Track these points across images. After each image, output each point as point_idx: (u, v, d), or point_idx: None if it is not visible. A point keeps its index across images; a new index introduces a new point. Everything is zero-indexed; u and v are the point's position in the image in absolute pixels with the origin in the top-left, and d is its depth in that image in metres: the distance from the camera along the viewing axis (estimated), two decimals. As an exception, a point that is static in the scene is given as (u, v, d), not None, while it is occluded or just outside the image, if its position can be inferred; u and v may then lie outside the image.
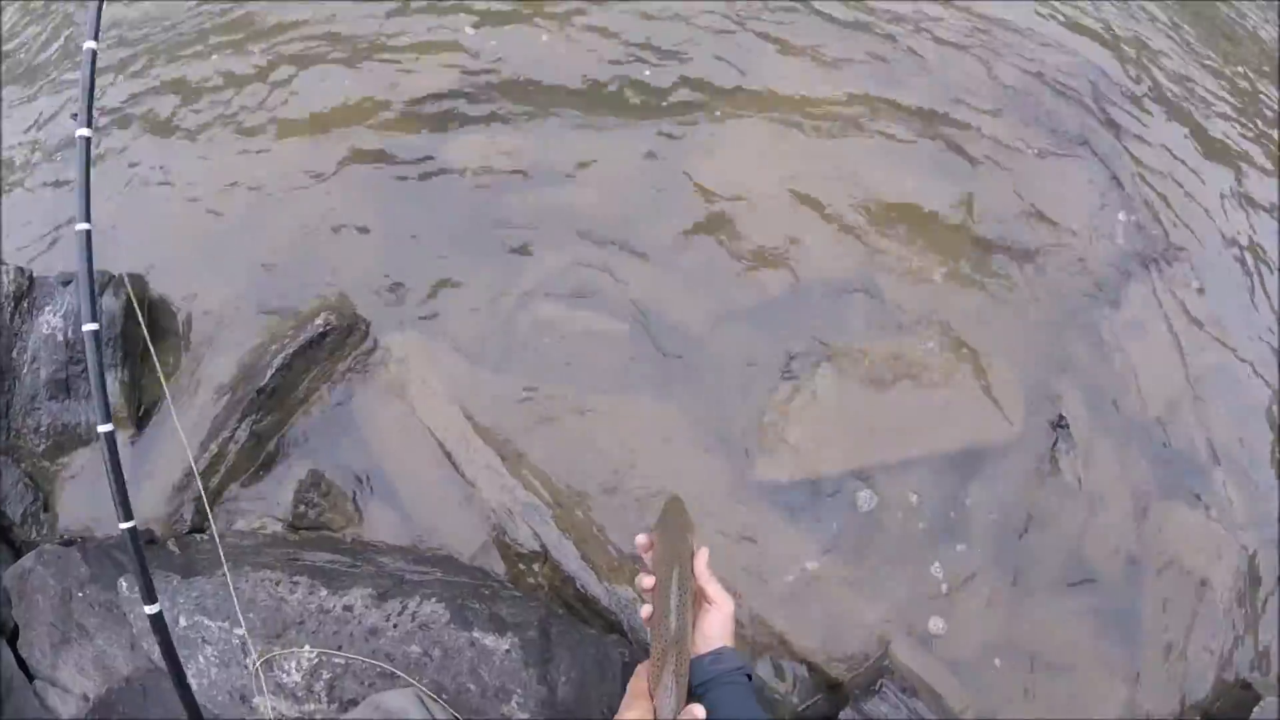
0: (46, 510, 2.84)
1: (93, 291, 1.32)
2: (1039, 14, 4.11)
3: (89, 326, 1.18)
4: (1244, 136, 4.00)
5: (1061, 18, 4.16)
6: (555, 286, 2.80)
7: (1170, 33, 4.46)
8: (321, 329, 2.77)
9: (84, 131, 1.42)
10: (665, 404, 2.57)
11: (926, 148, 3.33)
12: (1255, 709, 2.63)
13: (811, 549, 2.45)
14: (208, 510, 2.51)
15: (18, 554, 2.63)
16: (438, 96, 3.31)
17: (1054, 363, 2.86)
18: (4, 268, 2.99)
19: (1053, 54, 3.90)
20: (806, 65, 3.52)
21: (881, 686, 2.26)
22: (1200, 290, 3.27)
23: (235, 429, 2.75)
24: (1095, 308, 3.05)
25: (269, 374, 2.74)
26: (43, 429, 2.94)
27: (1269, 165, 3.94)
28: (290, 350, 2.76)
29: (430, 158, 3.15)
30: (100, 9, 1.59)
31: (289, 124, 3.34)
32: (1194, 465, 2.87)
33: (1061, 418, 2.69)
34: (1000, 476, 2.62)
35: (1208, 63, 4.43)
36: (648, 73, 3.40)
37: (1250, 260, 3.49)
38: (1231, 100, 4.19)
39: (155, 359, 2.77)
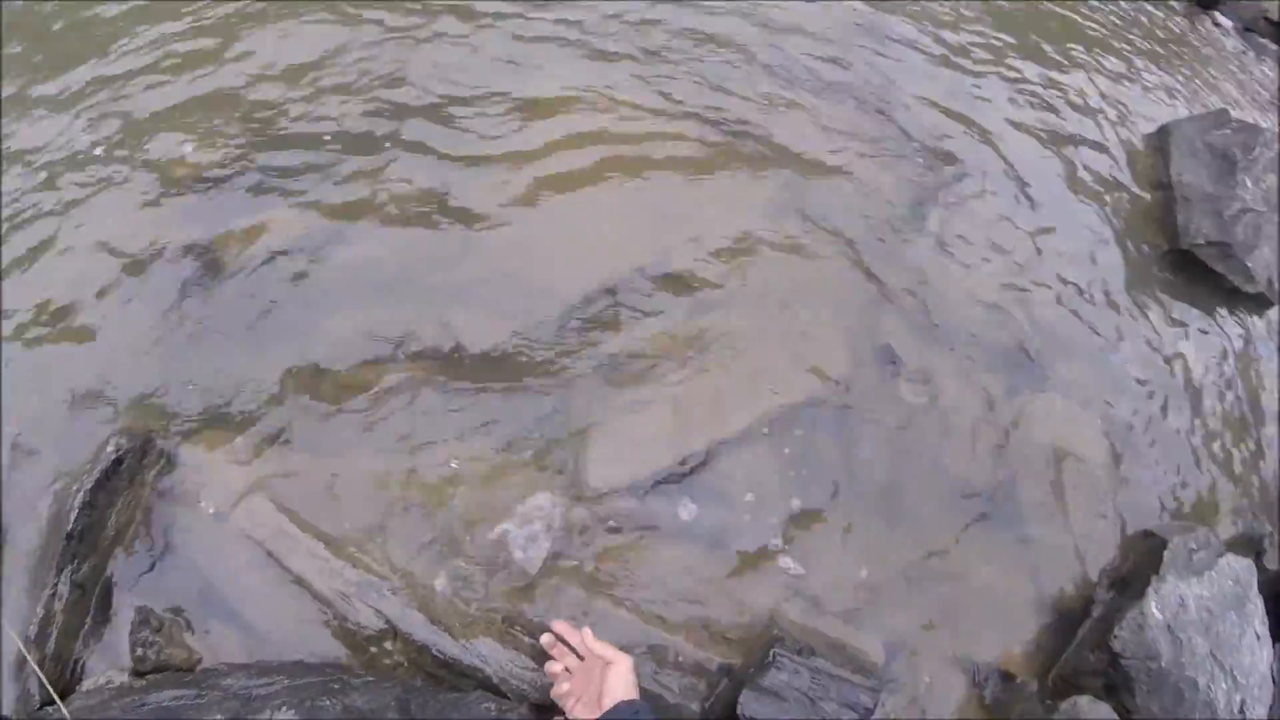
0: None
1: None
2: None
3: None
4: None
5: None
6: (344, 353, 2.62)
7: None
8: (114, 455, 2.58)
9: None
10: (476, 441, 2.44)
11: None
12: (1165, 553, 2.67)
13: (664, 548, 2.36)
14: (45, 683, 2.34)
15: None
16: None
17: (870, 303, 2.86)
18: None
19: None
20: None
21: (775, 656, 2.19)
22: (994, 193, 3.34)
23: (55, 585, 2.53)
24: (898, 237, 3.05)
25: (73, 517, 2.55)
26: None
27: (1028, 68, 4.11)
28: (88, 487, 2.56)
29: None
30: None
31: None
32: (1031, 356, 2.90)
33: (886, 345, 2.65)
34: (838, 421, 2.58)
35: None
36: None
37: (1032, 154, 3.63)
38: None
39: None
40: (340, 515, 2.34)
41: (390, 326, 2.57)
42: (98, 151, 2.87)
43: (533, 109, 3.08)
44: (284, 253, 2.67)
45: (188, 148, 2.85)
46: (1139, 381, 3.16)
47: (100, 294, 2.63)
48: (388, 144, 2.92)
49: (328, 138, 2.92)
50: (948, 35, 4.12)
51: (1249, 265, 3.69)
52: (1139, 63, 4.93)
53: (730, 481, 2.43)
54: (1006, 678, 2.53)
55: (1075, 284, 3.26)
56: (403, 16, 3.30)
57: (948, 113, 3.68)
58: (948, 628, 2.48)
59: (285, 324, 2.57)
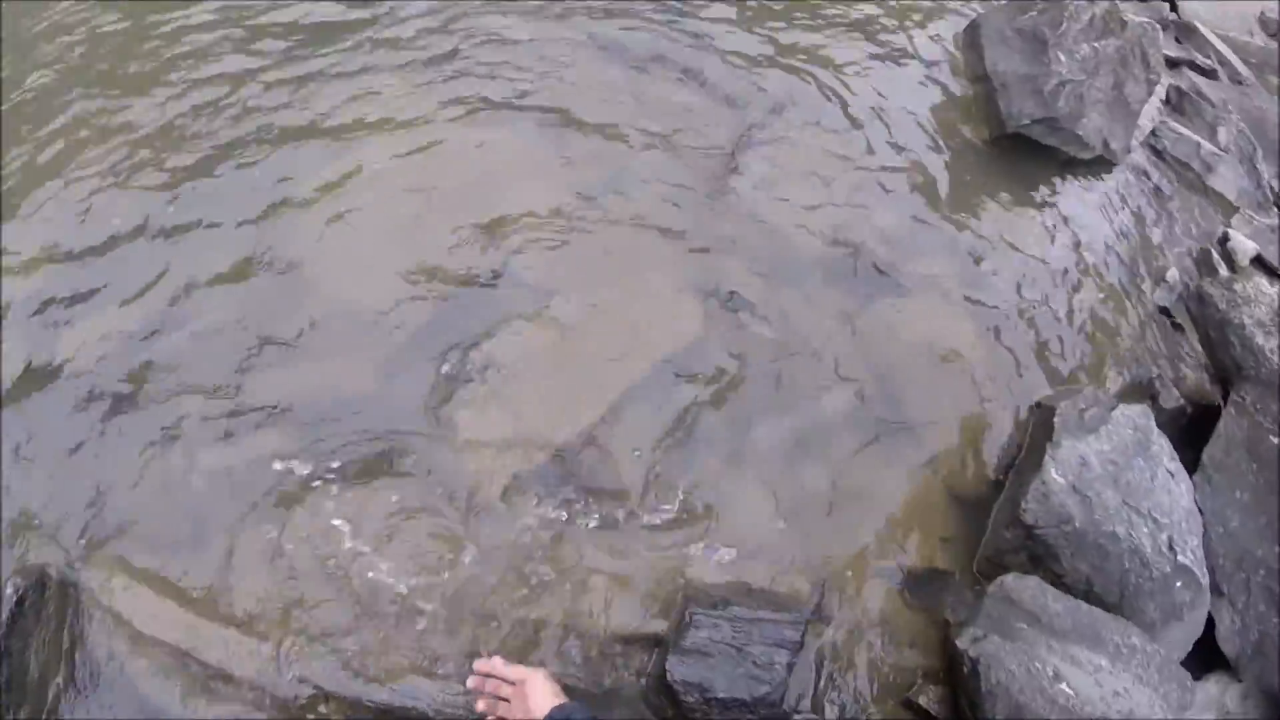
0: None
1: None
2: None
3: None
4: None
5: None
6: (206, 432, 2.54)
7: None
8: (16, 597, 2.55)
9: None
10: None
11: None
12: (1055, 419, 2.76)
13: (570, 532, 2.40)
14: None
15: None
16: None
17: (707, 257, 2.90)
18: None
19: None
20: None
21: (691, 616, 2.23)
22: (812, 123, 3.42)
23: None
24: (722, 182, 3.11)
25: None
26: None
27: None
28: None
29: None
30: None
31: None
32: (881, 269, 2.99)
33: (731, 293, 2.71)
34: (702, 372, 2.63)
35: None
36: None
37: (848, 75, 3.71)
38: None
39: None
40: (241, 595, 2.34)
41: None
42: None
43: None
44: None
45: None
46: (996, 268, 3.26)
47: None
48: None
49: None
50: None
51: (1079, 134, 3.84)
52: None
53: (619, 454, 2.46)
54: (935, 575, 2.61)
55: (911, 191, 3.36)
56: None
57: (752, 59, 3.74)
58: (869, 543, 2.54)
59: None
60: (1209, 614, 2.70)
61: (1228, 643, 2.69)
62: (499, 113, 3.18)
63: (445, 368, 2.52)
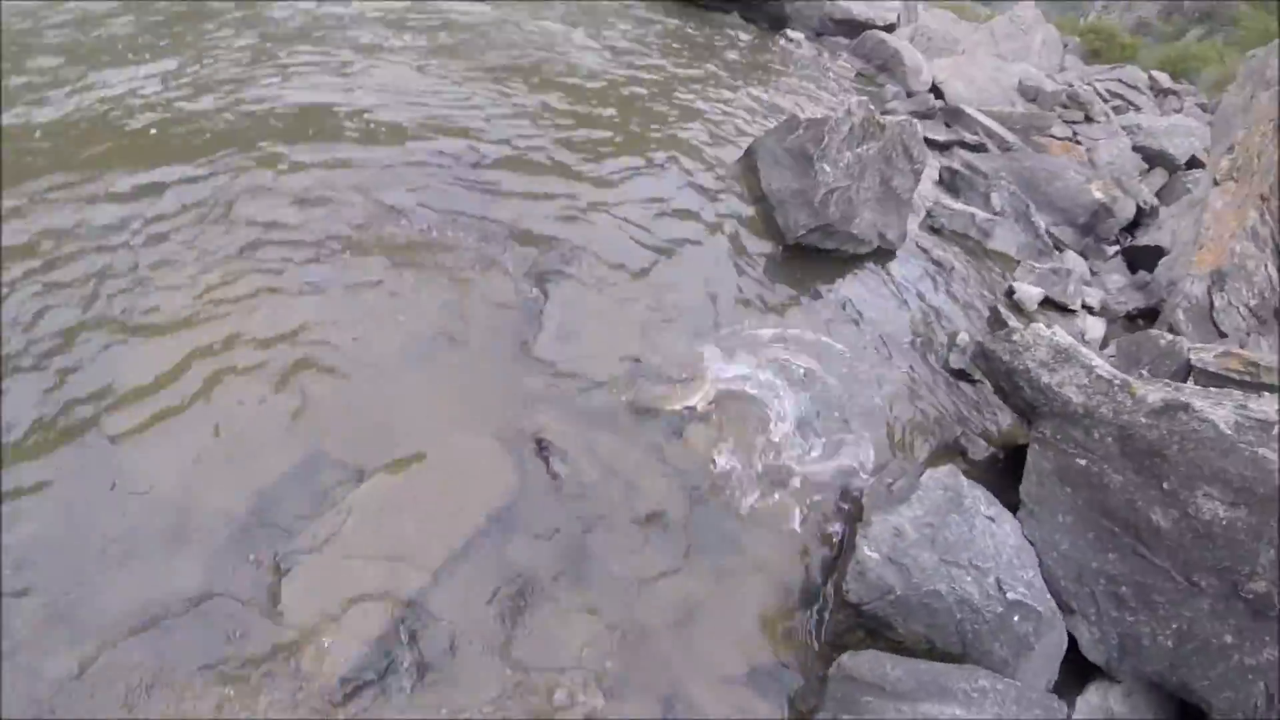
0: None
1: None
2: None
3: None
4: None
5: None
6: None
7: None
8: None
9: None
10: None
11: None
12: (863, 499, 2.95)
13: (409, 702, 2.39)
14: None
15: None
16: None
17: (514, 405, 3.04)
18: None
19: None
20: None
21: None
22: (604, 264, 3.69)
23: None
24: (521, 336, 3.28)
25: None
26: None
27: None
28: None
29: None
30: None
31: None
32: None
33: (540, 441, 2.88)
34: (528, 521, 2.73)
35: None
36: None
37: (635, 213, 4.00)
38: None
39: None
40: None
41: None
42: None
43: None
44: None
45: None
46: (796, 370, 3.55)
47: None
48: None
49: None
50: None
51: (854, 232, 4.31)
52: (724, 94, 5.66)
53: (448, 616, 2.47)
54: (780, 671, 2.72)
55: (704, 315, 3.65)
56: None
57: (540, 197, 4.00)
58: (712, 655, 2.62)
59: None
60: (1068, 633, 2.88)
61: (1094, 652, 2.89)
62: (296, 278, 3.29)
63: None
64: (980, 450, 3.71)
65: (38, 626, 2.26)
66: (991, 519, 3.04)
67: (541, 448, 2.86)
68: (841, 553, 3.00)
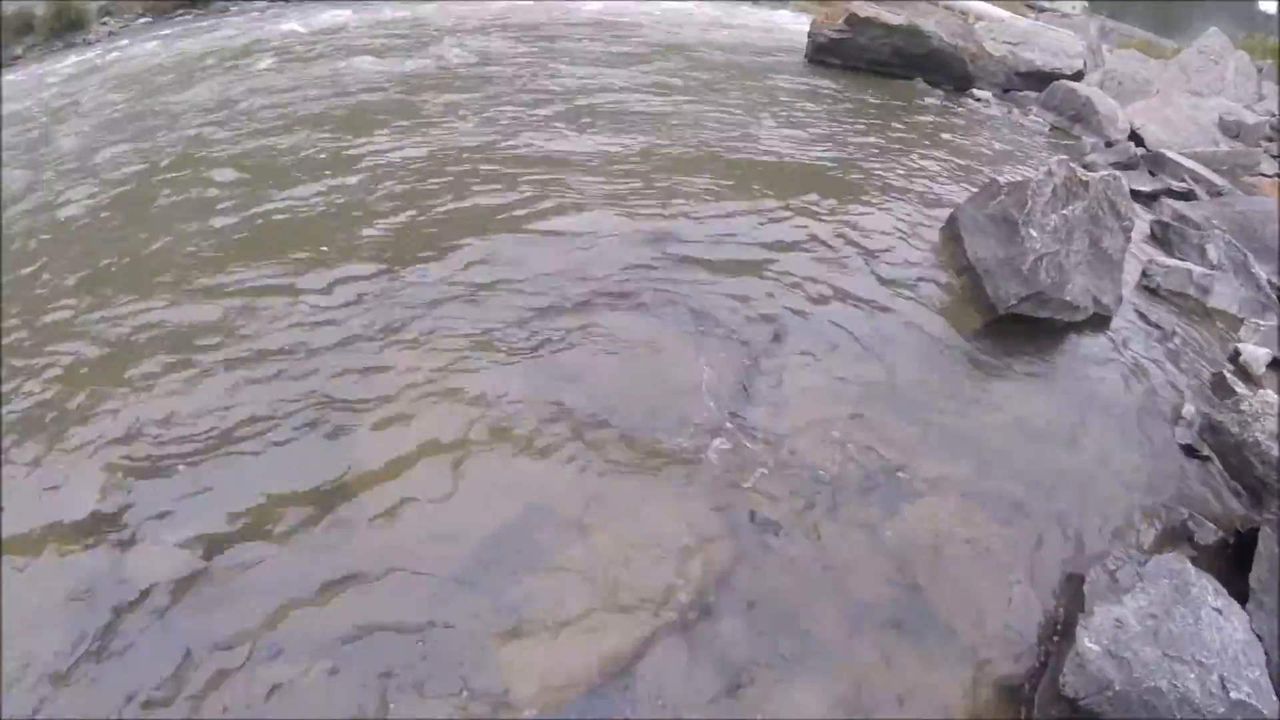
0: None
1: None
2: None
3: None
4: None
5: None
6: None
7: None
8: None
9: None
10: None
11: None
12: (1085, 588, 2.89)
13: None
14: None
15: None
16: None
17: (729, 467, 3.17)
18: None
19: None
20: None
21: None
22: (814, 342, 3.82)
23: None
24: (731, 411, 3.43)
25: None
26: None
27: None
28: None
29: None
30: None
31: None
32: (900, 472, 3.26)
33: (754, 513, 3.01)
34: (742, 593, 2.82)
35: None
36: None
37: (844, 288, 4.11)
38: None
39: None
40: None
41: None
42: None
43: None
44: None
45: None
46: (1008, 450, 3.49)
47: None
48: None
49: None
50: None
51: (1068, 299, 4.23)
52: (918, 161, 5.69)
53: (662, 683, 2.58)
54: None
55: (915, 392, 3.66)
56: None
57: (747, 274, 4.17)
58: None
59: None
60: (1293, 733, 2.67)
61: (1315, 759, 2.66)
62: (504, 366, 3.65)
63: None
64: (1209, 534, 3.51)
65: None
66: (1219, 610, 2.89)
67: (755, 519, 2.99)
68: (1059, 643, 2.92)
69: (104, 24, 19.48)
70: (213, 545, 3.03)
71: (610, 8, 14.58)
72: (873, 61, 9.89)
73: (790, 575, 2.92)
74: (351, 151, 6.31)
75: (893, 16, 10.06)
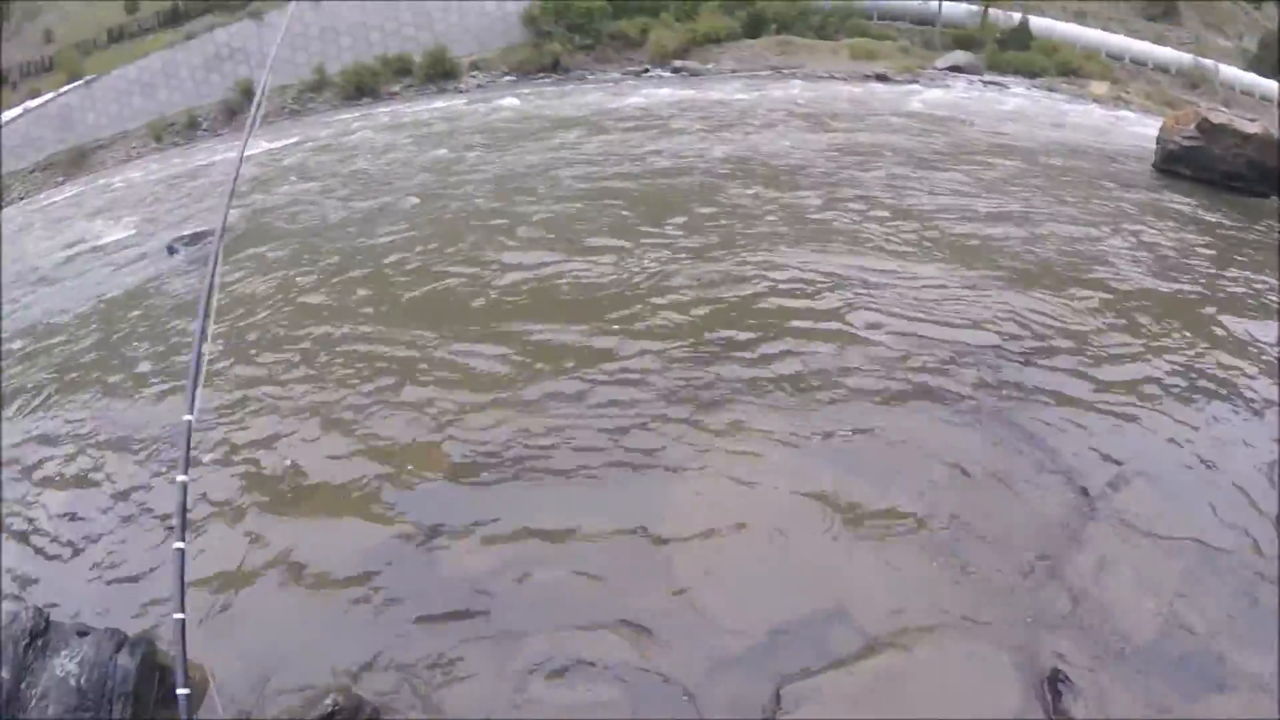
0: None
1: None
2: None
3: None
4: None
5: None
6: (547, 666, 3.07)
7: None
8: (330, 709, 2.99)
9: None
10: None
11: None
12: None
13: None
14: None
15: None
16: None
17: (1036, 615, 3.00)
18: (24, 607, 3.33)
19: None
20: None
21: None
22: (1154, 494, 3.52)
23: None
24: (1060, 556, 3.25)
25: None
26: (44, 761, 2.92)
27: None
28: None
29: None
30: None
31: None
32: (1214, 658, 2.87)
33: (1056, 671, 2.77)
34: None
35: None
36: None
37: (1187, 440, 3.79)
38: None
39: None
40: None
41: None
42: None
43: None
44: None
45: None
46: None
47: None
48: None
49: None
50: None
51: None
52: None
53: None
54: None
55: (1253, 572, 3.19)
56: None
57: (1083, 406, 3.96)
58: None
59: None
60: None
61: None
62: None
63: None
64: None
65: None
66: None
67: (1055, 679, 2.77)
68: None
69: (473, 76, 22.86)
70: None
71: (932, 98, 14.36)
72: (1226, 174, 8.95)
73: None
74: (645, 228, 7.09)
75: (1248, 124, 9.11)
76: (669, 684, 2.90)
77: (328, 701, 3.02)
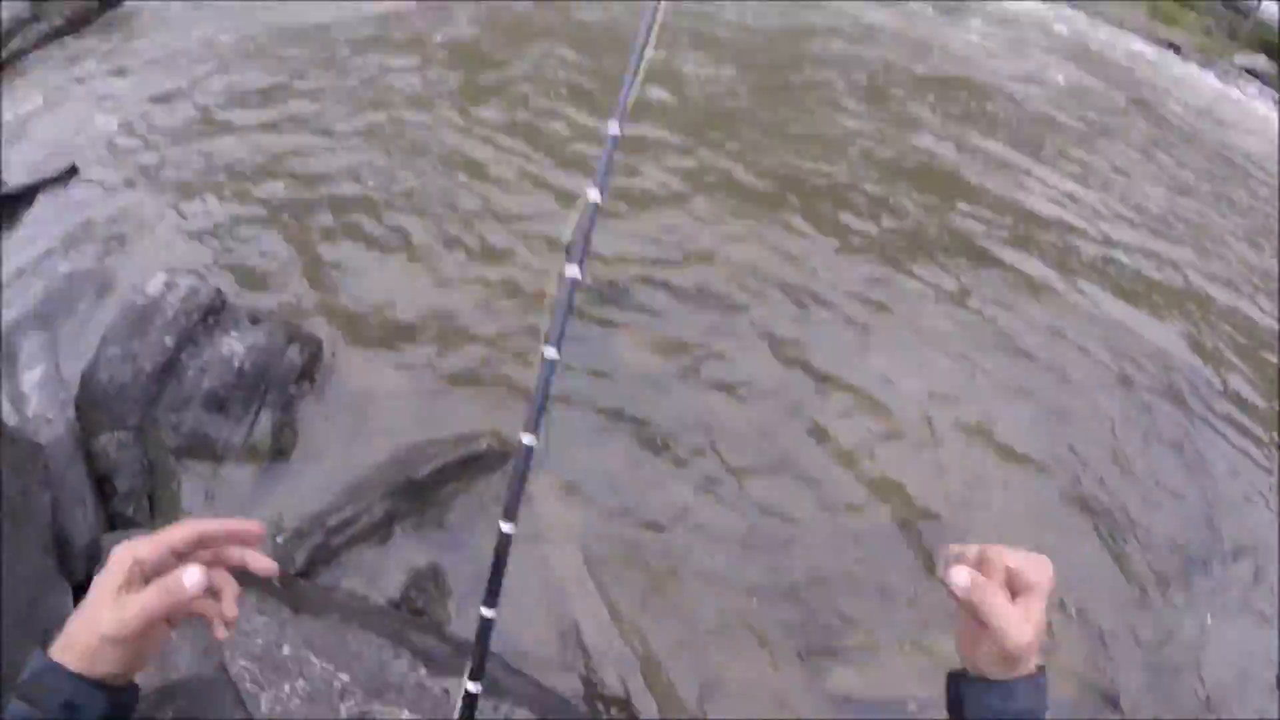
0: (149, 498, 2.99)
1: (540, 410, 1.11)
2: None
3: (528, 439, 1.02)
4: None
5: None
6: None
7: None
8: (484, 449, 3.12)
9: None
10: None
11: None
12: None
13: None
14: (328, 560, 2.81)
15: (111, 523, 2.83)
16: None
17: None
18: (204, 284, 3.33)
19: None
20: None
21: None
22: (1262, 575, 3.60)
23: (373, 504, 2.96)
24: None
25: (427, 469, 3.05)
26: (183, 429, 3.09)
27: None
28: (451, 459, 3.08)
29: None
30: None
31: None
32: None
33: None
34: None
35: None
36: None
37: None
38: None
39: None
40: (636, 594, 2.78)
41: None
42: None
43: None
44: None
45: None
46: None
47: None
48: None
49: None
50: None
51: None
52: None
53: None
54: None
55: None
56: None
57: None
58: None
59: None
60: None
61: None
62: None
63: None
64: None
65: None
66: None
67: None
68: None
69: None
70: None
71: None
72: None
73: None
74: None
75: None
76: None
77: (483, 443, 3.09)
